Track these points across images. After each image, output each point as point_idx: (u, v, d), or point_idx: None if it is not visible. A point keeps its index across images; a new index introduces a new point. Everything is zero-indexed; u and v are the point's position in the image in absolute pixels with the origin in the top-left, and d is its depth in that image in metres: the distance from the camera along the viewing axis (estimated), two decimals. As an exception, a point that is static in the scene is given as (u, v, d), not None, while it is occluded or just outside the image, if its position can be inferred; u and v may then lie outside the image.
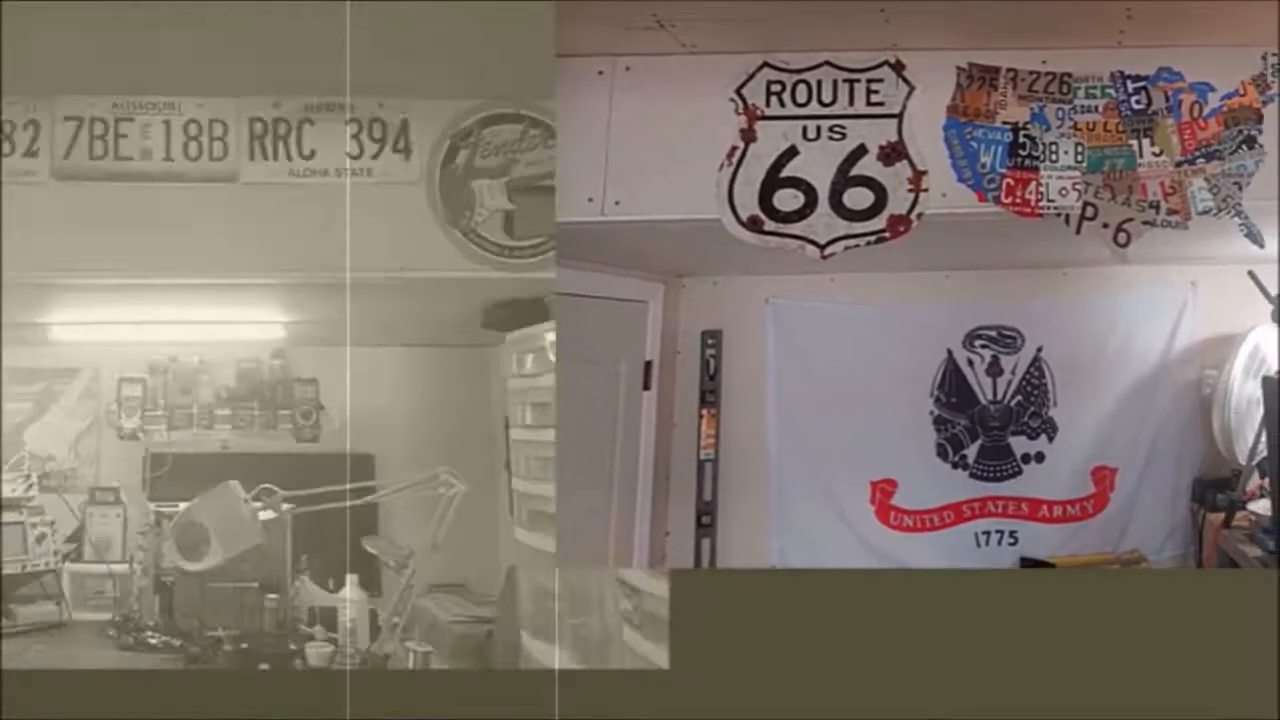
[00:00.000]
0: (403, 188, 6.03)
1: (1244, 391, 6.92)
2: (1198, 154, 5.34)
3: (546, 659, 5.93)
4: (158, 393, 7.95)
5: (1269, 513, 5.95)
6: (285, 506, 6.03)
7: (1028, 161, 5.38)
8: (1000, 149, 5.38)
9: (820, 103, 5.40)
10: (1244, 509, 6.53)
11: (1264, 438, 6.25)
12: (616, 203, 5.48)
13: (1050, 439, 7.56)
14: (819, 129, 5.40)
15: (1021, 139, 5.38)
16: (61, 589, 7.01)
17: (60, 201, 5.90)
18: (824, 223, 5.38)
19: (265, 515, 5.95)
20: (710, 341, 7.55)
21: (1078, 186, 5.36)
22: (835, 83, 5.41)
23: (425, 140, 6.05)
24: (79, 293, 6.41)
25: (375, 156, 6.02)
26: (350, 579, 6.35)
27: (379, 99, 5.99)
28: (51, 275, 6.00)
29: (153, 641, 6.40)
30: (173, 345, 7.92)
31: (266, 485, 6.02)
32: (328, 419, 7.88)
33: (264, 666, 5.99)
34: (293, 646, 6.17)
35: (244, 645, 6.12)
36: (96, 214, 5.90)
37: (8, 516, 6.86)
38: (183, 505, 6.09)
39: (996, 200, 5.38)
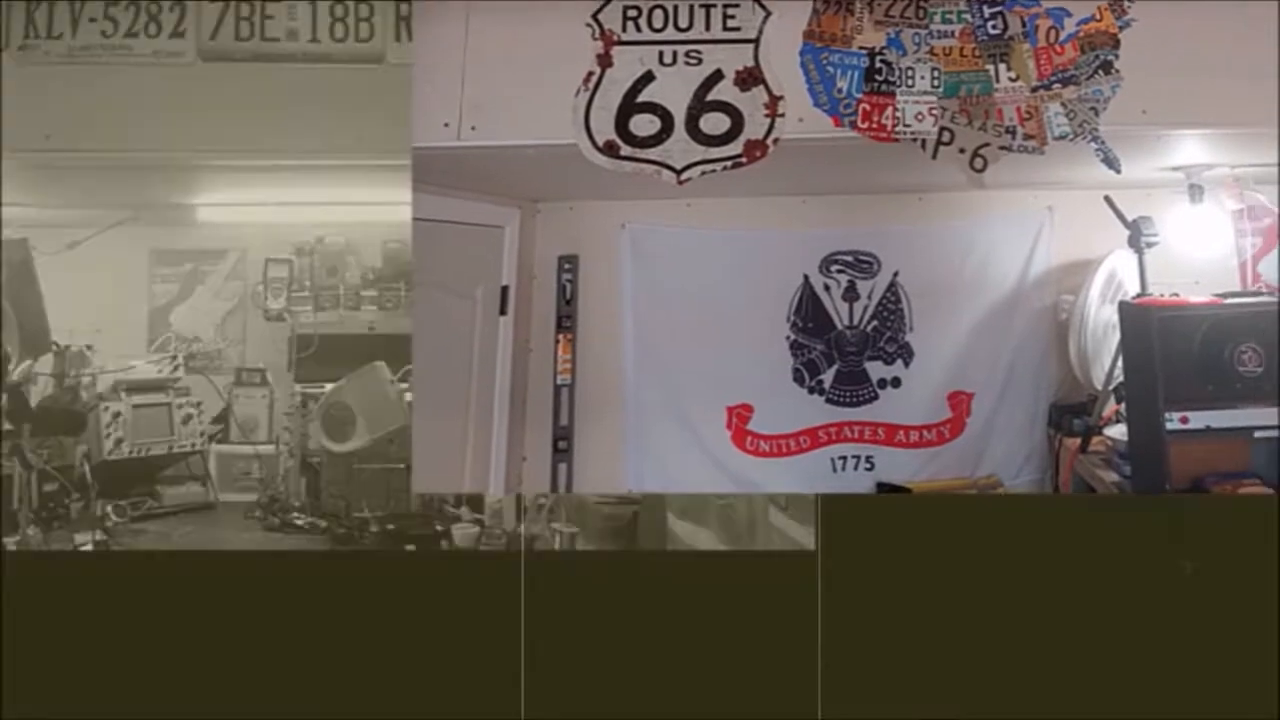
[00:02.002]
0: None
1: (1100, 317, 6.97)
2: (1054, 79, 5.36)
3: (693, 540, 6.03)
4: (304, 274, 8.02)
5: (1125, 438, 6.00)
6: (431, 388, 6.16)
7: (884, 86, 5.37)
8: (856, 74, 5.38)
9: (677, 28, 5.38)
10: (1100, 434, 6.58)
11: (1120, 363, 6.29)
12: (473, 128, 5.44)
13: (907, 364, 7.57)
14: (675, 54, 5.38)
15: (878, 64, 5.38)
16: (208, 470, 7.14)
17: (207, 82, 6.06)
18: (680, 148, 5.37)
19: (411, 396, 6.12)
20: (566, 266, 7.52)
21: (934, 111, 5.36)
22: (692, 8, 5.39)
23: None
24: (225, 174, 6.67)
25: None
26: (497, 461, 6.42)
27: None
28: (198, 156, 6.27)
29: (299, 523, 6.49)
30: (319, 226, 8.04)
31: (413, 366, 6.15)
32: (474, 299, 7.88)
33: (410, 548, 6.06)
34: (439, 528, 6.21)
35: (390, 526, 6.19)
36: (243, 95, 6.05)
37: (154, 398, 6.99)
38: (329, 386, 6.40)
39: (853, 125, 5.38)
